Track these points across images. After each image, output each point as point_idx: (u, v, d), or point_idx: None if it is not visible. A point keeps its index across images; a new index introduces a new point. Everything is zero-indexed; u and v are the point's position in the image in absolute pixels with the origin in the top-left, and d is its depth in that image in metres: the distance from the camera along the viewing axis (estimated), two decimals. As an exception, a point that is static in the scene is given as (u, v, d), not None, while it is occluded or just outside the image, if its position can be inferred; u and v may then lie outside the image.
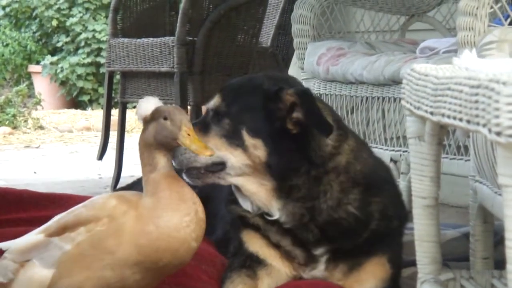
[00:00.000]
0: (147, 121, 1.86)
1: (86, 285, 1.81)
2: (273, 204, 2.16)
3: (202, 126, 2.19)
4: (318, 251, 2.20)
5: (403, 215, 2.30)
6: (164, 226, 1.77)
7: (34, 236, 1.89)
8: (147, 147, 1.84)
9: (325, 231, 2.17)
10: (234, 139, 2.14)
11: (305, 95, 2.13)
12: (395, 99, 3.31)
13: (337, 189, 2.15)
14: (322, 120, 2.10)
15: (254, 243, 2.25)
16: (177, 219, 1.77)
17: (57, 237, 1.82)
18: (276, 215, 2.16)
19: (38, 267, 1.85)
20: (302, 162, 2.13)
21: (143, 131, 1.86)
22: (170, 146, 1.84)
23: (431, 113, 1.45)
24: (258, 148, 2.12)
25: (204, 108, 4.66)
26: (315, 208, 2.15)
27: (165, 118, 1.84)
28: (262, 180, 2.14)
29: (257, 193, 2.16)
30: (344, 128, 2.25)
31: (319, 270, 2.22)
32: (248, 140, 2.13)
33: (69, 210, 1.91)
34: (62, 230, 1.82)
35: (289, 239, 2.20)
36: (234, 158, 2.14)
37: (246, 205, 2.21)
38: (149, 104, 1.88)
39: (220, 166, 2.15)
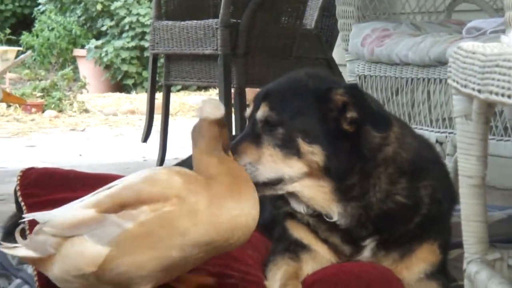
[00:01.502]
0: (216, 122, 1.86)
1: (149, 265, 1.79)
2: (333, 207, 2.12)
3: (253, 138, 2.13)
4: (366, 242, 2.19)
5: (453, 195, 2.27)
6: (236, 206, 1.81)
7: (82, 210, 1.84)
8: (213, 143, 1.86)
9: (377, 225, 2.15)
10: (289, 148, 2.09)
11: (356, 92, 2.09)
12: (440, 80, 3.28)
13: (385, 181, 2.12)
14: (379, 116, 2.08)
15: (299, 231, 2.24)
16: (245, 200, 1.82)
17: (114, 214, 1.79)
18: (335, 217, 2.13)
19: (90, 243, 1.81)
20: (357, 160, 2.09)
21: (208, 125, 1.86)
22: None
23: (479, 91, 1.43)
24: (315, 154, 2.08)
25: (248, 91, 4.67)
26: (368, 204, 2.12)
27: (224, 127, 1.91)
28: (319, 183, 2.10)
29: (315, 197, 2.12)
30: (388, 115, 2.23)
31: (364, 257, 2.20)
32: (305, 147, 2.08)
33: (122, 185, 1.87)
34: (119, 207, 1.79)
35: (339, 236, 2.18)
36: (291, 169, 2.09)
37: (299, 208, 2.17)
38: (220, 106, 1.89)
39: (277, 182, 2.12)
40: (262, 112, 2.14)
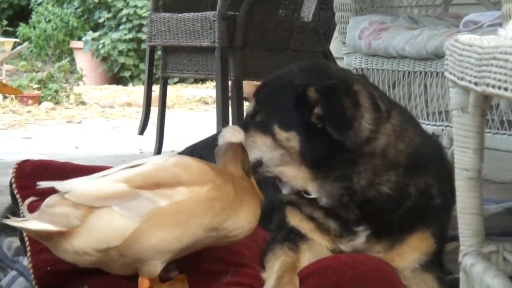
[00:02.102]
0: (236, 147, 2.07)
1: (176, 241, 1.89)
2: (311, 185, 2.21)
3: (243, 127, 2.25)
4: (359, 228, 2.22)
5: (452, 193, 2.28)
6: (251, 204, 2.04)
7: (112, 184, 1.87)
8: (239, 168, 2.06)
9: (363, 210, 2.19)
10: (267, 133, 2.22)
11: (327, 91, 2.16)
12: (437, 74, 3.28)
13: (370, 171, 2.17)
14: (339, 120, 2.14)
15: (296, 219, 2.28)
16: (255, 202, 2.05)
17: (148, 191, 1.86)
18: (314, 194, 2.21)
19: (119, 216, 1.85)
20: (335, 149, 2.16)
21: (231, 152, 2.06)
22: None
23: (475, 84, 1.43)
24: (291, 140, 2.19)
25: (245, 84, 4.67)
26: (351, 188, 2.18)
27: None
28: (298, 168, 2.20)
29: (295, 176, 2.22)
30: (387, 107, 2.23)
31: (359, 242, 2.23)
32: (280, 134, 2.20)
33: (152, 166, 1.93)
34: (154, 185, 1.87)
35: (333, 220, 2.23)
36: (269, 152, 2.22)
37: (284, 190, 2.27)
38: (237, 132, 2.12)
39: (258, 164, 2.23)
40: (250, 105, 2.33)
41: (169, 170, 1.92)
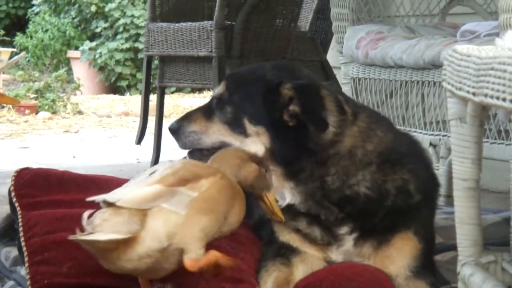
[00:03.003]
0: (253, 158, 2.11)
1: (210, 227, 1.99)
2: (285, 185, 2.21)
3: (206, 111, 2.30)
4: (343, 230, 2.22)
5: (431, 188, 2.32)
6: (242, 201, 2.10)
7: (149, 187, 1.95)
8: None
9: (344, 209, 2.20)
10: (236, 126, 2.23)
11: (303, 89, 2.18)
12: (434, 83, 3.29)
13: (340, 172, 2.19)
14: (318, 116, 2.16)
15: (283, 231, 2.29)
16: (243, 200, 2.10)
17: (182, 187, 1.97)
18: (288, 197, 2.21)
19: (169, 212, 1.94)
20: (303, 149, 2.18)
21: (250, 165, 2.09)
22: (255, 193, 2.14)
23: (473, 94, 1.43)
24: (260, 135, 2.20)
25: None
26: (325, 188, 2.19)
27: (266, 170, 2.12)
28: (270, 165, 2.18)
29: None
30: (354, 110, 2.26)
31: (348, 246, 2.23)
32: (250, 128, 2.21)
33: (170, 169, 2.00)
34: (184, 182, 1.98)
35: (317, 226, 2.24)
36: (239, 143, 2.22)
37: None
38: (258, 145, 2.18)
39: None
40: (218, 90, 2.31)
41: (185, 168, 2.02)
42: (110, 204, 1.92)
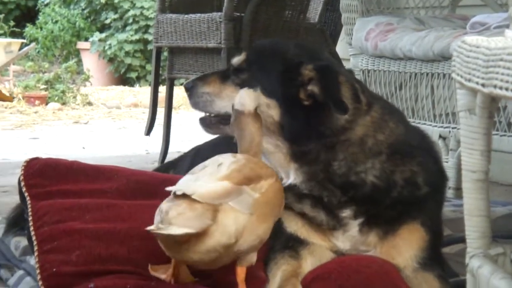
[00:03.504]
0: (255, 113, 2.11)
1: (268, 229, 2.05)
2: (290, 165, 2.22)
3: (222, 75, 2.32)
4: (345, 213, 2.23)
5: (439, 182, 2.32)
6: None
7: (219, 183, 1.97)
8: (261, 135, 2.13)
9: (347, 193, 2.21)
10: None
11: (325, 71, 2.18)
12: (444, 75, 3.28)
13: (348, 159, 2.20)
14: (338, 99, 2.16)
15: (291, 222, 2.29)
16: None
17: (246, 186, 1.99)
18: (292, 177, 2.22)
19: (238, 211, 1.96)
20: (313, 130, 2.19)
21: (253, 121, 2.10)
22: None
23: (483, 85, 1.43)
24: (271, 108, 2.20)
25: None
26: (329, 171, 2.20)
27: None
28: (277, 141, 2.21)
29: (274, 153, 2.23)
30: (369, 100, 2.26)
31: (353, 232, 2.24)
32: (262, 99, 2.20)
33: (234, 165, 2.02)
34: (248, 181, 2.01)
35: (322, 210, 2.24)
36: None
37: None
38: (252, 95, 2.14)
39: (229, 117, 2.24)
40: (238, 58, 2.33)
41: (248, 166, 2.04)
42: (182, 195, 1.93)
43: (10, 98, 7.30)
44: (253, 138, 2.11)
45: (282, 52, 2.28)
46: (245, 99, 2.12)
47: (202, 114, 2.36)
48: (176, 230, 1.88)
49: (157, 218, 1.92)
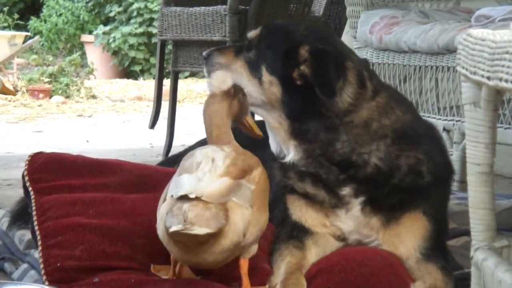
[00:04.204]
0: (225, 94, 2.13)
1: (264, 222, 2.06)
2: (290, 142, 2.27)
3: (236, 49, 2.42)
4: (345, 190, 2.25)
5: (445, 173, 2.34)
6: None
7: (221, 179, 1.97)
8: (226, 118, 2.13)
9: (346, 171, 2.24)
10: (255, 70, 2.32)
11: (318, 54, 2.23)
12: (448, 68, 3.28)
13: (352, 140, 2.23)
14: (326, 83, 2.21)
15: (296, 208, 2.32)
16: None
17: (243, 180, 2.01)
18: (291, 153, 2.27)
19: (240, 205, 1.97)
20: (313, 110, 2.24)
21: (218, 102, 2.13)
22: (237, 120, 2.18)
23: (488, 78, 1.43)
24: (273, 85, 2.28)
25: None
26: (328, 150, 2.24)
27: (243, 95, 2.17)
28: (279, 118, 2.28)
29: (277, 128, 2.30)
30: (376, 88, 2.29)
31: (355, 211, 2.26)
32: (266, 76, 2.29)
33: (227, 158, 2.02)
34: (243, 174, 2.02)
35: (321, 187, 2.28)
36: (251, 87, 2.31)
37: (273, 145, 2.34)
38: (226, 78, 2.17)
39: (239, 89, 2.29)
40: (253, 33, 2.41)
41: (240, 158, 2.05)
42: (185, 197, 1.91)
43: (13, 92, 7.30)
44: (212, 119, 2.12)
45: (290, 32, 2.35)
46: (215, 80, 2.16)
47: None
48: (200, 230, 1.87)
49: (172, 220, 1.88)
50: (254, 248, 2.07)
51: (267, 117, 2.32)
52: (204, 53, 2.45)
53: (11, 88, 9.01)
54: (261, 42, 2.36)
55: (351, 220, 2.26)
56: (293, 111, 2.26)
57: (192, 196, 1.90)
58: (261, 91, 2.30)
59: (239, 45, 2.46)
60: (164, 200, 2.00)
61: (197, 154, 2.05)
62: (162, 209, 1.97)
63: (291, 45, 2.29)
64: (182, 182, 1.96)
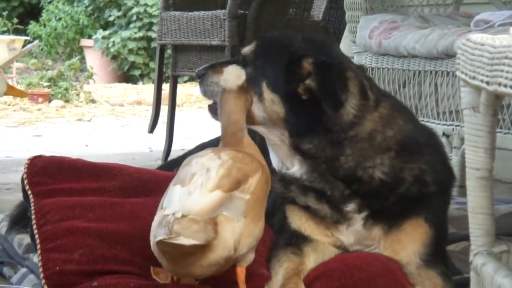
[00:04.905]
0: (240, 89, 2.13)
1: (259, 232, 2.05)
2: (295, 157, 2.23)
3: (230, 64, 2.32)
4: (349, 207, 2.23)
5: (447, 180, 2.33)
6: None
7: (211, 194, 1.95)
8: (243, 113, 2.13)
9: (350, 185, 2.21)
10: (255, 88, 2.23)
11: (323, 67, 2.19)
12: (448, 73, 3.27)
13: (357, 154, 2.20)
14: (332, 95, 2.16)
15: (295, 216, 2.30)
16: None
17: (236, 191, 1.99)
18: (296, 167, 2.23)
19: (233, 220, 1.96)
20: (318, 126, 2.20)
21: (235, 98, 2.12)
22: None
23: (487, 83, 1.43)
24: (275, 104, 2.21)
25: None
26: (334, 164, 2.20)
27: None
28: (282, 135, 2.23)
29: (279, 145, 2.25)
30: (377, 97, 2.27)
31: (358, 226, 2.24)
32: (267, 93, 2.22)
33: (222, 166, 2.01)
34: (237, 184, 1.99)
35: (325, 203, 2.25)
36: (253, 104, 2.23)
37: (274, 161, 2.29)
38: (240, 72, 2.15)
39: None
40: (247, 48, 2.34)
41: (235, 167, 2.02)
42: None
43: (24, 93, 7.24)
44: (230, 116, 2.11)
45: (288, 45, 2.29)
46: (229, 75, 2.13)
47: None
48: (186, 240, 1.87)
49: (160, 231, 1.90)
50: (251, 257, 2.05)
51: (268, 135, 2.27)
52: (197, 71, 2.39)
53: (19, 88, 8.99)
54: (258, 57, 2.29)
55: (353, 234, 2.25)
56: (298, 129, 2.21)
57: (178, 215, 1.89)
58: (262, 108, 2.23)
59: (233, 60, 2.40)
60: (162, 208, 2.00)
61: (193, 164, 2.05)
62: (154, 221, 1.99)
63: (291, 59, 2.23)
64: (173, 196, 1.97)
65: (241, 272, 2.05)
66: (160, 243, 1.88)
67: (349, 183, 2.21)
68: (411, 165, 2.23)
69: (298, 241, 2.26)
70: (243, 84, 2.13)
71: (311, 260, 2.24)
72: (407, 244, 2.22)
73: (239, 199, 1.98)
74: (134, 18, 11.24)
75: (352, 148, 2.20)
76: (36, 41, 10.91)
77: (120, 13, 11.42)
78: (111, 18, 11.52)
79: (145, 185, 2.54)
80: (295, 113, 2.20)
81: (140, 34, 11.15)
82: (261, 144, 2.26)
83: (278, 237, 2.32)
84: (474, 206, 1.64)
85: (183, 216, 1.90)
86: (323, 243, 2.27)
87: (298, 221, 2.29)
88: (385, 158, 2.21)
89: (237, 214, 1.96)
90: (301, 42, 2.29)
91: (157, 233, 1.91)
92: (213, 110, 2.31)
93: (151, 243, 1.99)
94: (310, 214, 2.28)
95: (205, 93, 2.35)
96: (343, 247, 2.27)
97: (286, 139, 2.22)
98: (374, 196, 2.21)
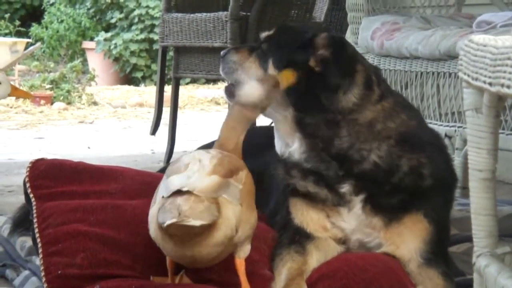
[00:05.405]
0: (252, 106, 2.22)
1: (255, 221, 2.10)
2: (296, 135, 2.30)
3: (251, 48, 2.47)
4: (344, 188, 2.27)
5: (448, 180, 2.36)
6: None
7: (210, 177, 2.00)
8: (246, 125, 2.22)
9: (343, 166, 2.26)
10: (262, 64, 2.36)
11: (337, 42, 2.30)
12: (450, 74, 3.27)
13: (353, 136, 2.26)
14: (343, 65, 2.27)
15: (298, 211, 2.34)
16: None
17: (231, 179, 2.04)
18: (296, 145, 2.30)
19: (230, 201, 2.01)
20: (318, 104, 2.27)
21: (243, 110, 2.21)
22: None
23: (490, 84, 1.42)
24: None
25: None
26: (330, 145, 2.27)
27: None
28: (284, 112, 2.30)
29: (282, 122, 2.33)
30: (383, 93, 2.32)
31: (357, 209, 2.27)
32: (272, 70, 2.32)
33: (214, 159, 2.05)
34: (230, 173, 2.05)
35: (324, 185, 2.30)
36: (259, 78, 2.33)
37: (278, 145, 2.37)
38: (256, 91, 2.25)
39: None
40: (267, 32, 2.48)
41: (226, 160, 2.09)
42: (178, 192, 1.94)
43: (30, 95, 7.28)
44: (235, 130, 2.20)
45: (304, 31, 2.39)
46: (249, 90, 2.25)
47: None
48: (194, 221, 1.90)
49: (165, 215, 1.91)
50: (248, 248, 2.09)
51: (273, 113, 2.34)
52: (222, 52, 2.51)
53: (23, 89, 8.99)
54: (273, 40, 2.40)
55: (353, 219, 2.27)
56: (298, 101, 2.28)
57: (184, 189, 1.93)
58: (265, 85, 2.30)
59: (255, 45, 2.50)
60: (155, 202, 2.02)
61: (184, 158, 2.10)
62: (153, 209, 2.01)
63: (303, 41, 2.32)
64: (172, 182, 1.99)
65: (240, 264, 2.09)
66: (170, 226, 1.89)
67: (342, 163, 2.26)
68: (409, 155, 2.27)
69: (301, 239, 2.29)
70: (254, 103, 2.22)
71: (314, 258, 2.26)
72: (408, 238, 2.23)
73: (235, 186, 2.03)
74: (136, 20, 11.24)
75: (349, 130, 2.26)
76: (38, 44, 10.92)
77: (122, 15, 11.42)
78: (113, 20, 11.52)
79: (147, 188, 2.53)
80: (299, 86, 2.29)
81: (142, 36, 11.15)
82: (250, 141, 2.31)
83: (282, 234, 2.34)
84: (477, 208, 1.64)
85: (189, 192, 1.93)
86: (326, 240, 2.29)
87: (301, 215, 2.33)
88: (383, 144, 2.26)
89: (234, 200, 2.01)
90: (316, 30, 2.39)
91: (161, 218, 1.91)
92: (229, 91, 2.42)
93: (151, 231, 2.01)
94: (311, 202, 2.32)
95: (224, 70, 2.46)
96: (344, 240, 2.29)
97: (289, 115, 2.29)
98: (368, 179, 2.25)
